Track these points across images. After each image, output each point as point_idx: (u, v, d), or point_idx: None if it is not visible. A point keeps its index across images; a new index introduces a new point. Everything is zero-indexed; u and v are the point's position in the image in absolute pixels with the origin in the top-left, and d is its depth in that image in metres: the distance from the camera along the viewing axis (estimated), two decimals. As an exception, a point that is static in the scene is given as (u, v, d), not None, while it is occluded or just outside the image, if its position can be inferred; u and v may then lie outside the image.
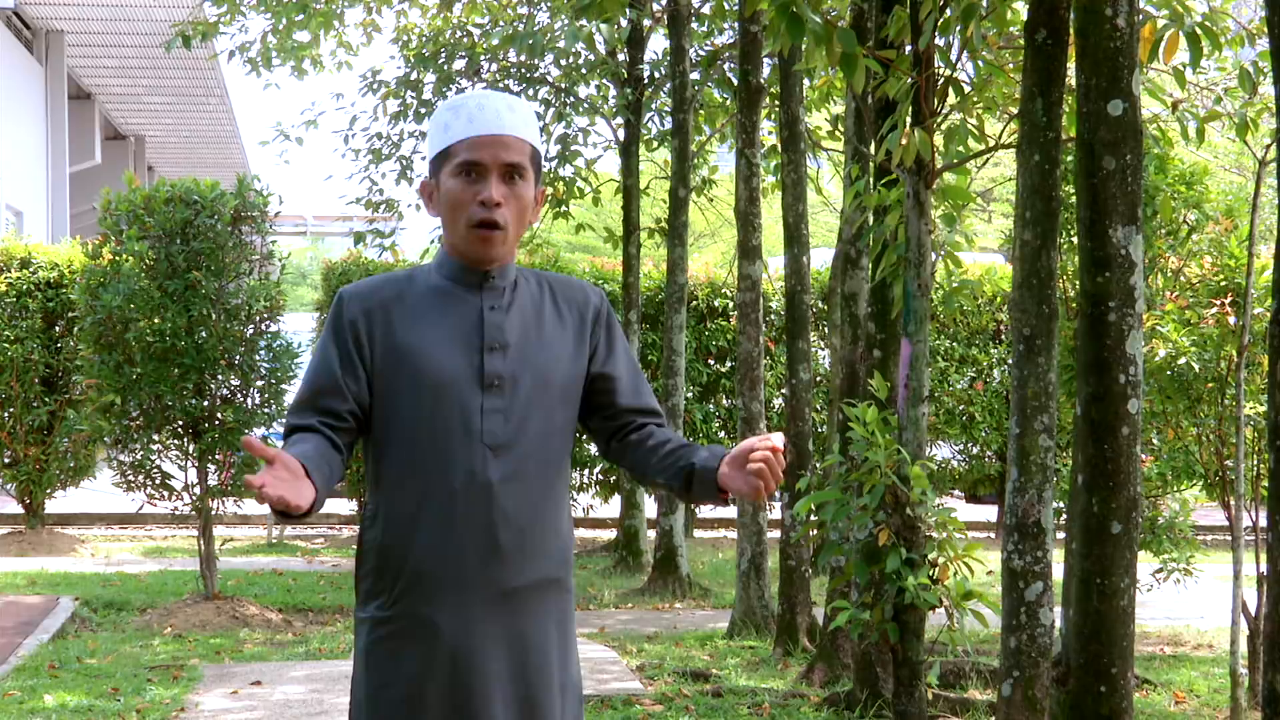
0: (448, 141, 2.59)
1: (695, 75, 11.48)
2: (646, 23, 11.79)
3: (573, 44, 9.90)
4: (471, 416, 2.57)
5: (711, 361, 13.53)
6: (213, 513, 8.68)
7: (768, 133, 11.61)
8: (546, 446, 2.62)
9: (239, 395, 8.65)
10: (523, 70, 11.89)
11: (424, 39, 12.06)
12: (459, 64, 11.83)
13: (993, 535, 13.56)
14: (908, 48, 5.44)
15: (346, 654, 7.38)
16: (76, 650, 7.45)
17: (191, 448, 8.58)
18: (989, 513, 14.86)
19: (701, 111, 11.99)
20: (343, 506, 14.84)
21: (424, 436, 2.56)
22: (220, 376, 8.56)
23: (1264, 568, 4.59)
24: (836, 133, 11.55)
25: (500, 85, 11.86)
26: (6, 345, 11.58)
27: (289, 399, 8.86)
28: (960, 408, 13.89)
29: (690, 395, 13.24)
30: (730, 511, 14.63)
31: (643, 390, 2.76)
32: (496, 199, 2.56)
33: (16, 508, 13.01)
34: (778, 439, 2.44)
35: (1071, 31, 4.33)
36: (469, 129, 2.57)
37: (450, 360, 2.58)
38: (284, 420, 2.61)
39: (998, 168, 20.95)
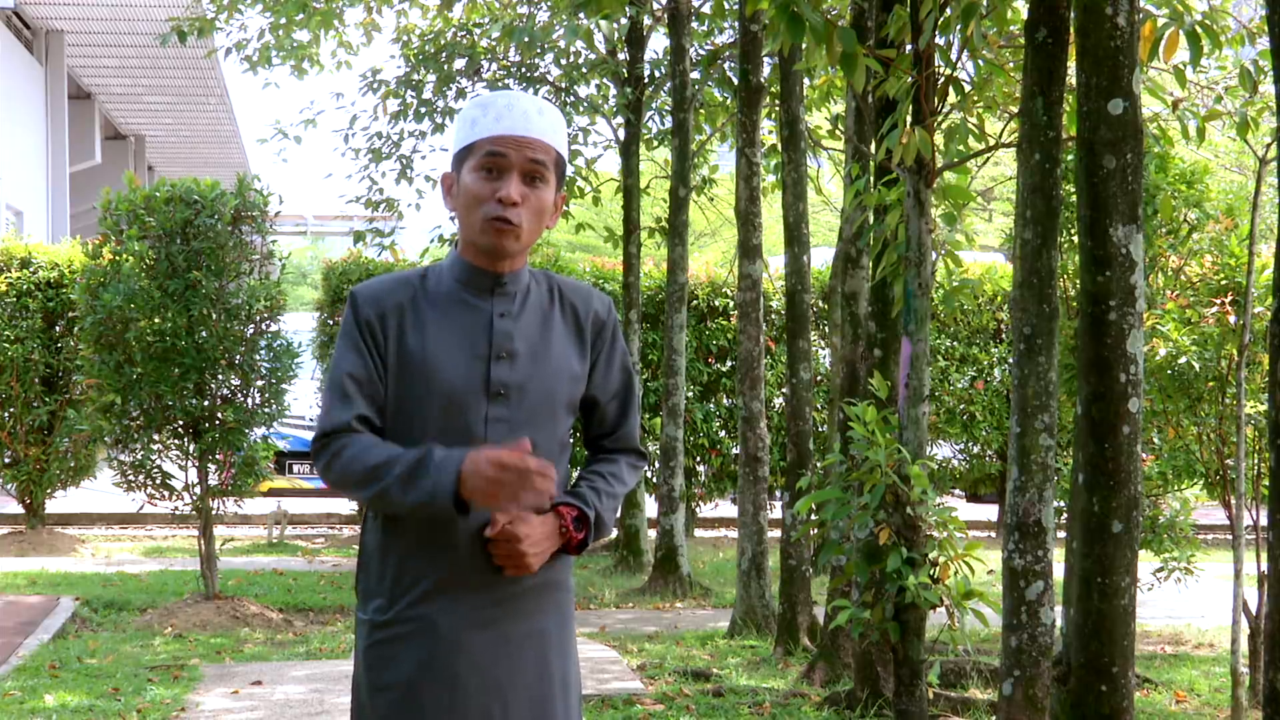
0: (473, 137, 2.58)
1: (695, 74, 11.47)
2: (647, 21, 11.79)
3: (572, 40, 9.89)
4: (476, 425, 2.56)
5: (712, 361, 13.52)
6: (213, 512, 8.68)
7: (768, 132, 11.61)
8: (548, 453, 2.61)
9: (239, 395, 8.65)
10: (523, 70, 11.89)
11: (424, 39, 12.06)
12: (459, 64, 11.82)
13: (993, 534, 13.56)
14: (908, 47, 5.44)
15: (347, 654, 7.38)
16: (77, 650, 7.45)
17: (192, 447, 8.57)
18: (990, 512, 14.86)
19: (702, 111, 11.98)
20: (343, 506, 14.85)
21: (428, 443, 2.53)
22: (220, 376, 8.55)
23: (1264, 566, 4.59)
24: (836, 132, 11.55)
25: (500, 85, 11.86)
26: (7, 345, 11.58)
27: (289, 399, 8.86)
28: (961, 407, 13.89)
29: (691, 395, 13.23)
30: (731, 511, 14.64)
31: (626, 419, 2.76)
32: (514, 198, 2.55)
33: (17, 508, 13.02)
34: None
35: (1072, 30, 4.33)
36: (495, 127, 2.57)
37: (457, 368, 2.56)
38: (319, 421, 2.56)
39: (998, 167, 20.93)
